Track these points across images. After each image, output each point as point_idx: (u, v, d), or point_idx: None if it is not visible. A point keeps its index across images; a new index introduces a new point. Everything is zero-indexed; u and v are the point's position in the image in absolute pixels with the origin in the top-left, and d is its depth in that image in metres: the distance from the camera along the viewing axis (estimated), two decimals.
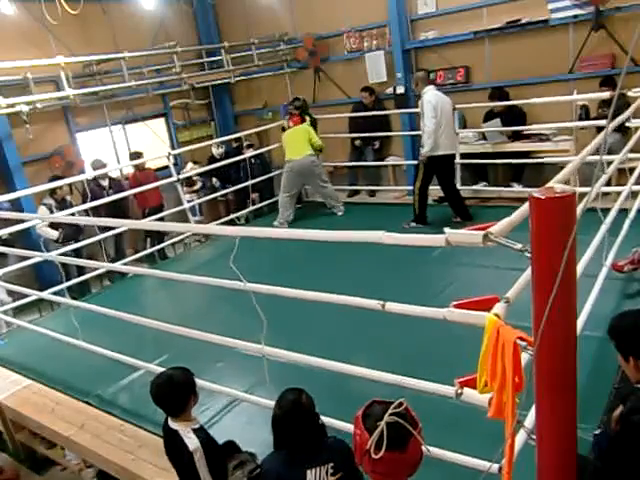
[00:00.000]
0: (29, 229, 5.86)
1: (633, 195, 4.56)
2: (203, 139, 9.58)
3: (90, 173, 7.00)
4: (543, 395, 1.75)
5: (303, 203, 8.23)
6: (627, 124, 4.85)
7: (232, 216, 7.56)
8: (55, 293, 5.37)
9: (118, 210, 6.96)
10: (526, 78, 7.01)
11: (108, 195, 6.89)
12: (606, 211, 3.91)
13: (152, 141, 8.86)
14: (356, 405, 1.99)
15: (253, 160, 8.14)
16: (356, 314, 2.74)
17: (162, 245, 7.30)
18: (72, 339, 4.23)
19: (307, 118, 7.66)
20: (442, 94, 6.27)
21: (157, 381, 2.50)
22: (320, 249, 4.92)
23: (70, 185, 7.00)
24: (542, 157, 6.48)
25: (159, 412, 2.55)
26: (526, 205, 1.71)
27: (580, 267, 3.03)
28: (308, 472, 2.13)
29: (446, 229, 2.01)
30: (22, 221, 5.38)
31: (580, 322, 2.94)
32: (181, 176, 7.22)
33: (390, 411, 1.85)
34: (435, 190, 6.55)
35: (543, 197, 1.57)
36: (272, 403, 2.29)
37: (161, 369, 2.85)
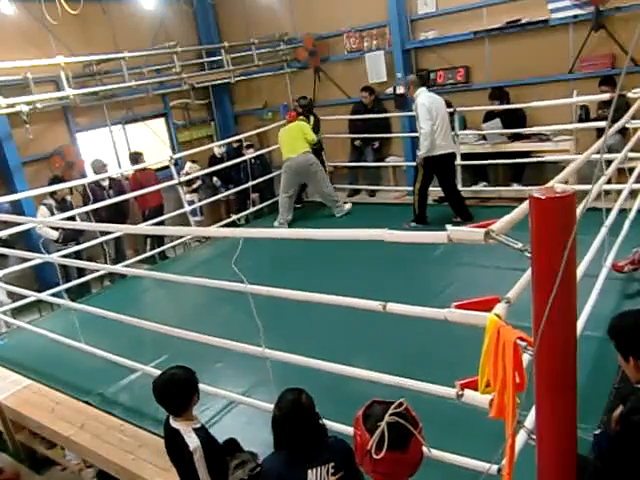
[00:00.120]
0: (29, 230, 5.85)
1: (633, 195, 4.57)
2: (203, 139, 9.60)
3: (92, 177, 6.98)
4: (543, 395, 1.75)
5: (303, 203, 8.23)
6: (627, 125, 4.86)
7: (233, 217, 7.55)
8: (55, 294, 5.36)
9: (118, 211, 6.96)
10: (526, 78, 7.01)
11: (109, 195, 6.91)
12: (605, 211, 3.91)
13: (152, 141, 8.85)
14: (356, 406, 1.99)
15: (253, 160, 8.13)
16: (356, 314, 2.74)
17: (163, 248, 7.32)
18: (72, 340, 4.23)
19: (311, 117, 7.67)
20: (435, 94, 6.27)
21: (160, 380, 2.50)
22: (320, 249, 4.92)
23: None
24: (542, 157, 6.48)
25: (159, 412, 2.55)
26: (526, 203, 1.71)
27: (580, 267, 3.03)
28: (309, 472, 2.13)
29: (448, 226, 2.00)
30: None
31: (580, 322, 2.94)
32: (182, 179, 7.22)
33: (390, 411, 1.85)
34: (435, 190, 6.56)
35: (543, 197, 1.57)
36: (271, 405, 2.29)
37: (158, 372, 2.84)
